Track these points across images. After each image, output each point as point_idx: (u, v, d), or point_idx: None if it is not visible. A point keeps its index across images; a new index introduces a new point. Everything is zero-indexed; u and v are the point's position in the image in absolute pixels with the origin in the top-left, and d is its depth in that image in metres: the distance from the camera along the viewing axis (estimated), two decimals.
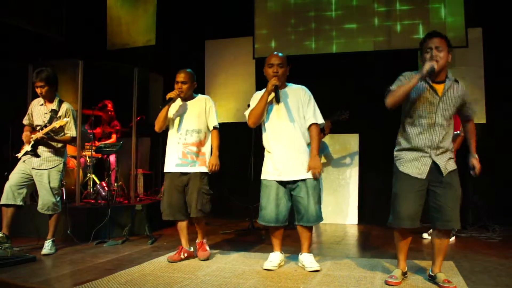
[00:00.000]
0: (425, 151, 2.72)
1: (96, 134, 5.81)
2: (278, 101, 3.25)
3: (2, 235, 3.67)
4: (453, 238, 4.43)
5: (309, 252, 3.31)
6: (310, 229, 3.29)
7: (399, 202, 2.75)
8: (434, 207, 2.73)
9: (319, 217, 3.24)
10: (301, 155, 3.24)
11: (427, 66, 2.63)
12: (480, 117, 5.62)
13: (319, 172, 3.22)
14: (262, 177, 3.36)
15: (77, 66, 4.93)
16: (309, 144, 3.29)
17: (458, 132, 4.26)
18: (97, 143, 5.52)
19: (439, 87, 2.71)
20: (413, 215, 2.72)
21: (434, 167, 2.72)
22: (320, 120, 3.31)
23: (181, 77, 3.55)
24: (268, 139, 3.33)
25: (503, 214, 5.34)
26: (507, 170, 5.45)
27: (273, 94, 3.25)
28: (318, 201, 3.25)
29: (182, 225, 3.62)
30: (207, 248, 3.67)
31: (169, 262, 3.47)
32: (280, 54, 3.33)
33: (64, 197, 4.50)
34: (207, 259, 3.55)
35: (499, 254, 3.69)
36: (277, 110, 3.27)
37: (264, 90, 3.26)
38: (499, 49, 5.55)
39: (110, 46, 7.24)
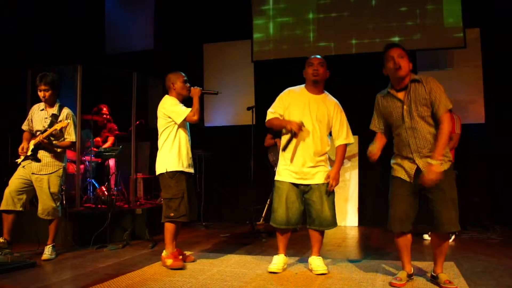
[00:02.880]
0: (409, 157, 2.75)
1: (96, 142, 5.81)
2: (284, 149, 3.25)
3: (2, 241, 3.67)
4: (452, 238, 4.43)
5: (319, 255, 3.28)
6: (322, 233, 3.26)
7: (391, 206, 2.82)
8: (429, 211, 2.73)
9: (333, 223, 3.21)
10: (318, 161, 3.22)
11: None
12: (478, 117, 5.63)
13: (336, 184, 3.20)
14: (276, 178, 3.33)
15: (76, 70, 4.94)
16: (326, 153, 3.28)
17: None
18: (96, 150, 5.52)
19: (402, 94, 2.77)
20: (403, 218, 2.74)
21: (421, 171, 2.68)
22: (351, 139, 3.30)
23: (184, 76, 3.76)
24: (288, 140, 3.26)
25: (503, 214, 5.34)
26: (506, 170, 5.45)
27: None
28: (332, 206, 3.21)
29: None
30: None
31: (173, 269, 3.31)
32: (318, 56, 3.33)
33: (64, 202, 4.50)
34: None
35: (500, 254, 3.69)
36: (304, 116, 3.20)
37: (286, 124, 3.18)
38: (497, 49, 5.56)
39: (109, 51, 7.25)
